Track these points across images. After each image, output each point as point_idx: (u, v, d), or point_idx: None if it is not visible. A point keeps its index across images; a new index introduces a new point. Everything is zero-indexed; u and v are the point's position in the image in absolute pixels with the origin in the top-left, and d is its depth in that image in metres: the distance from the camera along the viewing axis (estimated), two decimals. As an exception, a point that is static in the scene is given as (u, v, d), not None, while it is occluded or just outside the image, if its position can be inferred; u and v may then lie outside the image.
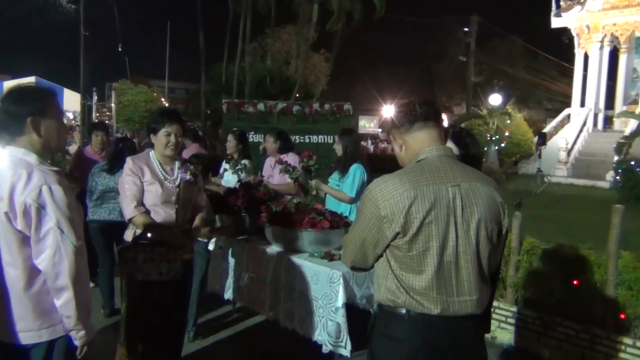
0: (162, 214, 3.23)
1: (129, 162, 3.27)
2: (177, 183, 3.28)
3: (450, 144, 2.47)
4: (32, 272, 2.06)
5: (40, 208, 2.00)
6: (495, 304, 4.50)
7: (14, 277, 2.05)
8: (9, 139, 2.08)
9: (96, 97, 18.20)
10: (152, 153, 3.33)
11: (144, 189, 3.22)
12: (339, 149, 4.59)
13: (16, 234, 2.02)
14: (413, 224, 1.80)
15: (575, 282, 4.24)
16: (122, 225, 4.77)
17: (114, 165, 4.91)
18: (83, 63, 17.18)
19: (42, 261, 2.03)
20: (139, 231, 3.19)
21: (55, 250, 2.02)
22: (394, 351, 1.90)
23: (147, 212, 3.21)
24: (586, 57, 23.68)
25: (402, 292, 1.87)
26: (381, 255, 1.92)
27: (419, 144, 1.95)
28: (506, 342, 4.45)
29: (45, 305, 2.09)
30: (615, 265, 4.03)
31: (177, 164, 3.36)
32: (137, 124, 23.18)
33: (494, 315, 4.46)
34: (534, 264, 4.52)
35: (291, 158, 4.84)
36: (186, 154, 7.50)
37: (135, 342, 3.27)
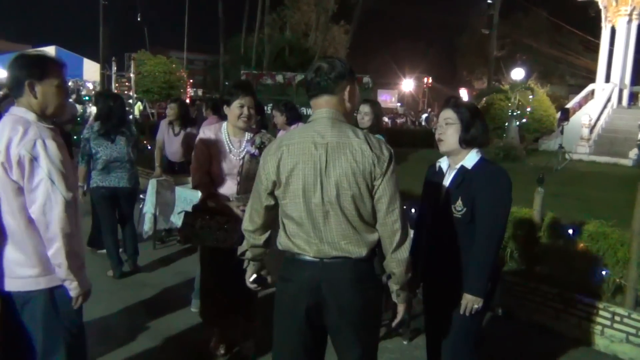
0: (224, 185, 3.36)
1: (201, 132, 3.46)
2: (242, 156, 3.37)
3: (449, 113, 2.60)
4: (29, 221, 2.19)
5: (33, 159, 2.13)
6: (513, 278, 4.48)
7: (13, 226, 2.19)
8: (15, 100, 2.27)
9: (115, 67, 18.24)
10: (225, 124, 3.45)
11: (211, 160, 3.36)
12: (367, 119, 4.41)
13: (12, 184, 2.15)
14: (283, 174, 2.10)
15: (597, 259, 4.19)
16: (129, 191, 5.09)
17: (110, 130, 4.96)
18: (102, 33, 17.18)
19: (34, 210, 2.16)
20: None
21: (45, 200, 2.14)
22: (285, 291, 2.20)
23: (212, 181, 3.37)
24: (613, 31, 22.97)
25: (286, 237, 2.17)
26: (275, 208, 2.22)
27: (315, 107, 2.20)
28: (523, 317, 4.42)
29: (43, 254, 2.22)
30: (639, 244, 3.96)
31: (247, 136, 3.43)
32: (156, 94, 23.20)
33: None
34: (555, 240, 4.48)
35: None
36: (206, 125, 7.53)
37: (208, 304, 3.51)
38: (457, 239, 2.53)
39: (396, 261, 2.12)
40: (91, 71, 23.92)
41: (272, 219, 2.27)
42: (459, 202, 2.50)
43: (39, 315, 2.27)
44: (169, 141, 6.46)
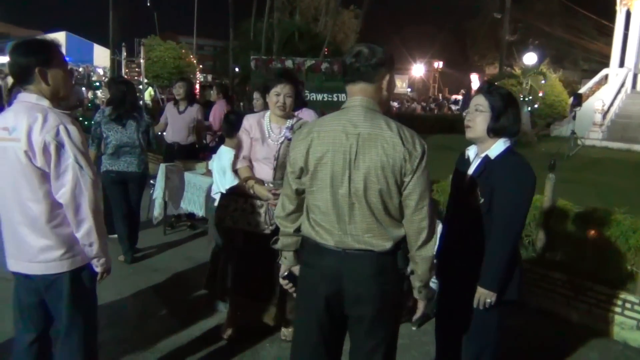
0: (260, 170, 3.45)
1: (245, 120, 3.55)
2: (280, 141, 3.42)
3: (481, 99, 2.52)
4: (53, 206, 2.23)
5: (60, 146, 2.16)
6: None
7: (37, 212, 2.21)
8: (21, 87, 2.26)
9: (125, 53, 18.20)
10: (268, 112, 3.54)
11: (251, 146, 3.47)
12: None
13: (36, 171, 2.18)
14: (312, 162, 2.06)
15: (608, 246, 4.16)
16: (138, 176, 5.11)
17: (122, 115, 4.98)
18: (112, 18, 17.14)
19: (62, 195, 2.20)
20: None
21: (75, 184, 2.19)
22: (307, 276, 2.20)
23: (251, 166, 3.47)
24: (628, 14, 22.60)
25: (309, 225, 2.15)
26: (302, 193, 2.18)
27: (350, 94, 2.14)
28: (533, 305, 4.40)
29: (67, 237, 2.28)
30: (652, 231, 3.93)
31: (287, 123, 3.47)
32: (166, 80, 23.15)
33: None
34: (566, 227, 4.44)
35: (306, 114, 4.72)
36: (214, 110, 7.54)
37: (234, 288, 3.55)
38: (475, 230, 2.49)
39: (420, 258, 2.09)
40: (101, 57, 23.89)
41: (303, 206, 2.24)
42: (478, 192, 2.48)
43: (63, 297, 2.33)
44: (174, 120, 6.46)
